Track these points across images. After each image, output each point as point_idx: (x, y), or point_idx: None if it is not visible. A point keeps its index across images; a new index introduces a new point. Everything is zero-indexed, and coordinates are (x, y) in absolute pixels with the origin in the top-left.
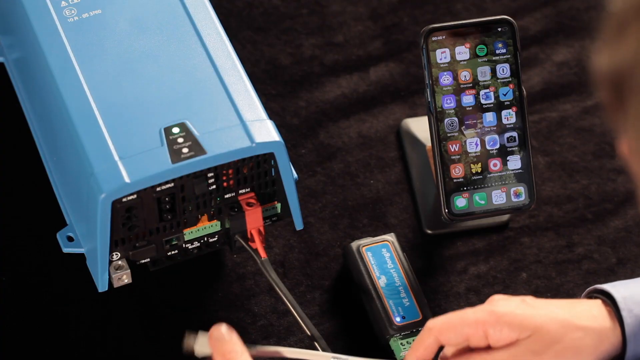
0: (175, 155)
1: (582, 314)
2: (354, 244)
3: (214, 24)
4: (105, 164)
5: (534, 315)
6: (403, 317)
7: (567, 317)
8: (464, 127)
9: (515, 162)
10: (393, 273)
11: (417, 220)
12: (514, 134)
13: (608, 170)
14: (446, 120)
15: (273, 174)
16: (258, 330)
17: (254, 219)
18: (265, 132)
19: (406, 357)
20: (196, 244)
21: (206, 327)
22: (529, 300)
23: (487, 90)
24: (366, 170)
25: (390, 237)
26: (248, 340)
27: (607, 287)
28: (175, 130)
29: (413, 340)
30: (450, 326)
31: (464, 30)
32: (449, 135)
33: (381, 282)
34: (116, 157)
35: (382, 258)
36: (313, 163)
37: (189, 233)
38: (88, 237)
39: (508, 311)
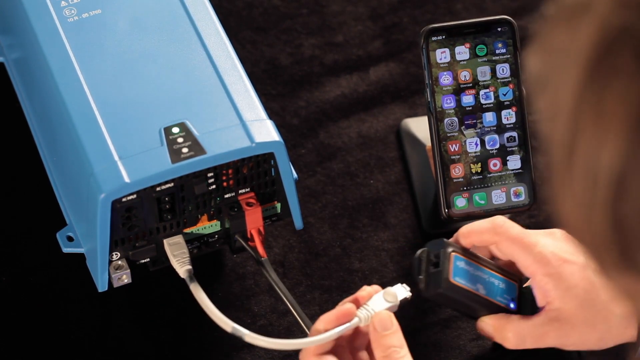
0: (175, 155)
1: None
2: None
3: (214, 24)
4: (105, 164)
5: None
6: None
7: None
8: (463, 127)
9: (515, 162)
10: None
11: (417, 220)
12: (514, 134)
13: None
14: (446, 120)
15: (273, 174)
16: (258, 330)
17: (253, 219)
18: (265, 132)
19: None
20: (196, 243)
21: (206, 327)
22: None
23: (487, 90)
24: (366, 170)
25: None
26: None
27: None
28: (175, 130)
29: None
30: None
31: (464, 30)
32: (448, 135)
33: None
34: (116, 157)
35: None
36: (313, 163)
37: (189, 233)
38: (88, 237)
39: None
